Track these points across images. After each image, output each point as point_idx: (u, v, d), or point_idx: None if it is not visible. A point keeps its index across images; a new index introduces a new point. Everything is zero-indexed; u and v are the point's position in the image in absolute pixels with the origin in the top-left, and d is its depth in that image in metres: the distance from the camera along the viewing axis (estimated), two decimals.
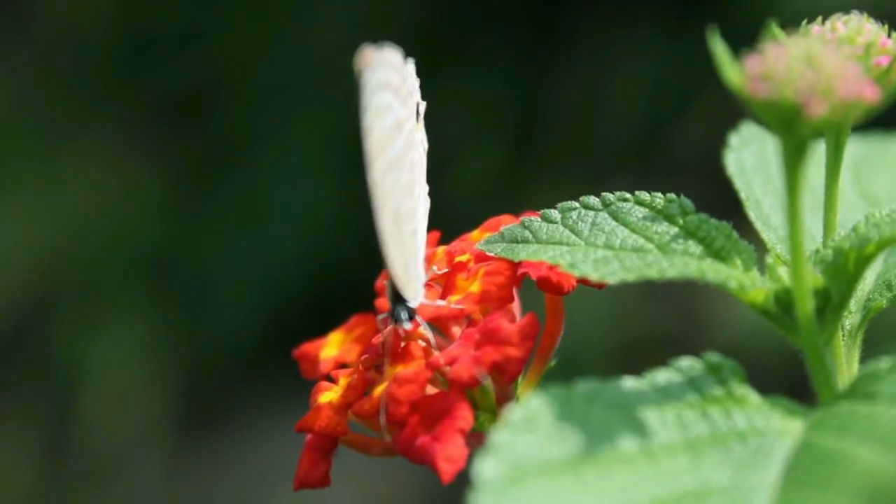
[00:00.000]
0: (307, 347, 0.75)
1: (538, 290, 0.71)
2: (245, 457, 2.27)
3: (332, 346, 0.74)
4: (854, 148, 0.85)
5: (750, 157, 0.77)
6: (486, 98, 2.34)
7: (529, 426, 0.61)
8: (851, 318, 0.71)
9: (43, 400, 2.33)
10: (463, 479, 0.64)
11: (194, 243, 2.40)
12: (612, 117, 2.29)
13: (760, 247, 0.71)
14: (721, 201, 0.73)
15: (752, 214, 0.73)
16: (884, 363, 0.64)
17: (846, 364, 0.69)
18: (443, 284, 0.71)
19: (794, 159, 0.62)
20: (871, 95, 0.60)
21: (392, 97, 0.70)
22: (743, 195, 0.75)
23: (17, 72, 2.49)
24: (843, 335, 0.70)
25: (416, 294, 0.70)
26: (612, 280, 0.65)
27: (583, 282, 0.70)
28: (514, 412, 0.61)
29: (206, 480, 2.27)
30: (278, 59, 2.43)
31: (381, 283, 0.74)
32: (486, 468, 0.59)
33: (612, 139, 2.28)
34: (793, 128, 0.61)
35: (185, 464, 2.29)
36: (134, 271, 2.40)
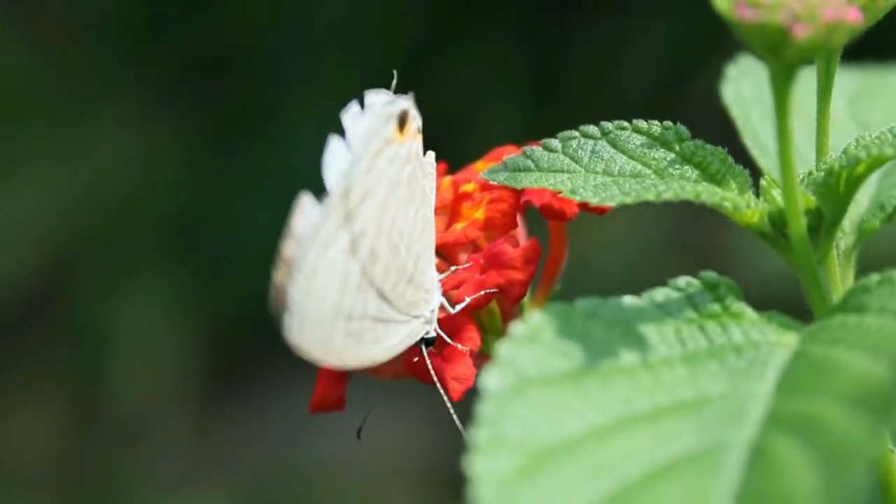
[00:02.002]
0: None
1: (542, 217, 0.74)
2: (273, 415, 2.30)
3: None
4: (852, 80, 0.87)
5: (747, 88, 0.80)
6: (505, 58, 2.37)
7: (532, 340, 0.63)
8: (846, 238, 0.73)
9: (70, 363, 2.36)
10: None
11: (218, 204, 2.43)
12: (631, 75, 2.31)
13: (758, 175, 0.74)
14: (740, 158, 0.75)
15: (748, 142, 0.76)
16: (874, 278, 0.66)
17: (841, 283, 0.72)
18: (448, 213, 0.74)
19: (782, 82, 0.64)
20: (853, 19, 0.63)
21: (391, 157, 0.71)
22: (739, 123, 0.77)
23: (37, 38, 2.52)
24: (838, 256, 0.73)
25: None
26: (611, 203, 0.68)
27: (585, 208, 0.73)
28: (516, 327, 0.64)
29: (235, 439, 2.30)
30: (299, 19, 2.45)
31: None
32: (490, 380, 0.62)
33: (630, 97, 2.30)
34: (779, 51, 0.63)
35: (212, 423, 2.32)
36: (158, 233, 2.43)
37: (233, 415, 2.32)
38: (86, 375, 2.34)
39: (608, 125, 0.72)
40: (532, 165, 0.71)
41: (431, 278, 0.72)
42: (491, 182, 0.72)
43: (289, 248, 0.67)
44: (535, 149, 0.72)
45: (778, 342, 0.66)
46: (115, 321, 2.36)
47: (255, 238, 2.34)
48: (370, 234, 0.69)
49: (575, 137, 0.72)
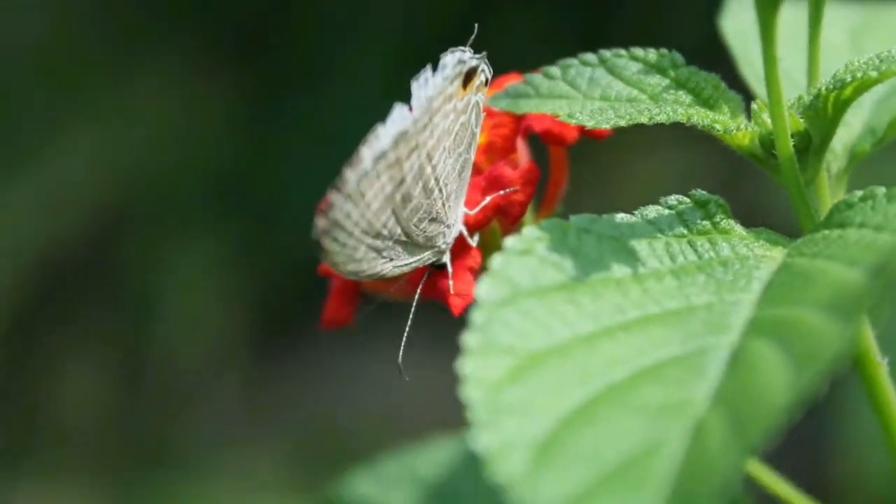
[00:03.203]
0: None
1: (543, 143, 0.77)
2: (319, 371, 2.33)
3: None
4: (855, 14, 0.90)
5: (748, 22, 0.82)
6: (549, 23, 2.39)
7: (525, 253, 0.67)
8: (837, 161, 0.76)
9: (120, 322, 2.40)
10: None
11: (266, 164, 2.46)
12: (675, 38, 2.32)
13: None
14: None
15: (745, 70, 0.79)
16: (857, 193, 0.69)
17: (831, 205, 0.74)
18: None
19: (767, 8, 0.67)
20: None
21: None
22: (738, 54, 0.80)
23: None
24: (829, 178, 0.75)
25: None
26: (605, 126, 0.71)
27: (584, 134, 0.76)
28: (511, 241, 0.67)
29: (282, 395, 2.33)
30: None
31: None
32: (484, 289, 0.65)
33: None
34: None
35: (260, 380, 2.35)
36: (206, 193, 2.46)
37: (280, 372, 2.36)
38: (135, 335, 2.38)
39: (606, 53, 0.75)
40: (532, 92, 0.74)
41: (457, 214, 0.76)
42: (493, 109, 0.75)
43: (347, 171, 0.72)
44: (536, 76, 0.75)
45: (765, 256, 0.69)
46: (164, 281, 2.40)
47: (301, 198, 2.36)
48: (408, 181, 0.73)
49: (573, 65, 0.74)
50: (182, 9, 2.55)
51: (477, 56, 0.75)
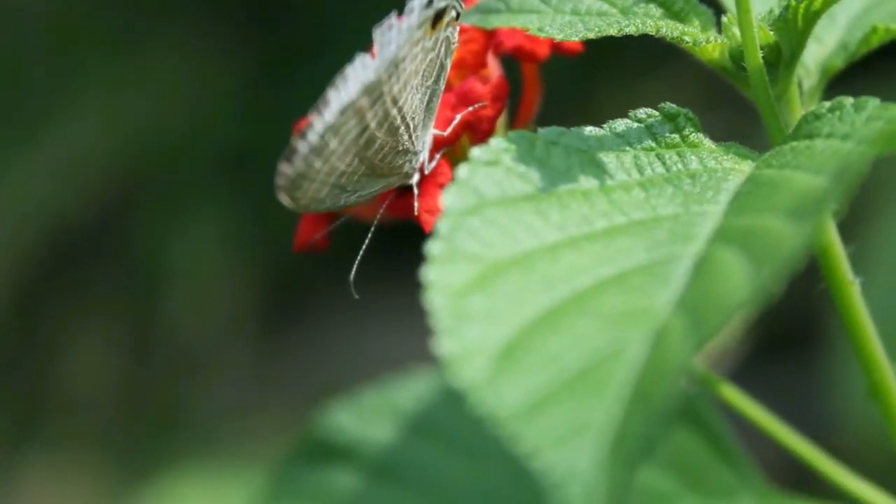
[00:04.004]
0: (303, 122, 0.81)
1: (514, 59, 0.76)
2: (327, 344, 2.33)
3: None
4: None
5: None
6: None
7: (492, 163, 0.66)
8: (809, 78, 0.76)
9: (129, 293, 2.40)
10: None
11: (274, 136, 2.45)
12: None
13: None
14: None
15: None
16: (825, 105, 0.68)
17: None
18: None
19: None
20: None
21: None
22: None
23: None
24: (802, 95, 0.75)
25: None
26: (574, 38, 0.71)
27: (556, 49, 0.75)
28: (477, 151, 0.66)
29: (290, 367, 2.34)
30: None
31: None
32: (449, 198, 0.65)
33: None
34: None
35: (268, 351, 2.36)
36: (215, 165, 2.46)
37: (287, 343, 2.36)
38: (145, 306, 2.39)
39: None
40: (503, 7, 0.74)
41: (425, 140, 0.75)
42: (464, 24, 0.75)
43: (312, 120, 0.72)
44: None
45: (733, 169, 0.69)
46: (173, 252, 2.40)
47: None
48: (373, 126, 0.73)
49: None
50: None
51: None
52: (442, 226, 0.64)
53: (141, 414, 2.33)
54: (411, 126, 0.74)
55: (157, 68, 2.49)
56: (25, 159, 2.45)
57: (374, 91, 0.72)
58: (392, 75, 0.72)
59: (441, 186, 0.73)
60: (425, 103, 0.74)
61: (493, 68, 0.78)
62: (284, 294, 2.40)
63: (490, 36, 0.76)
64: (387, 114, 0.73)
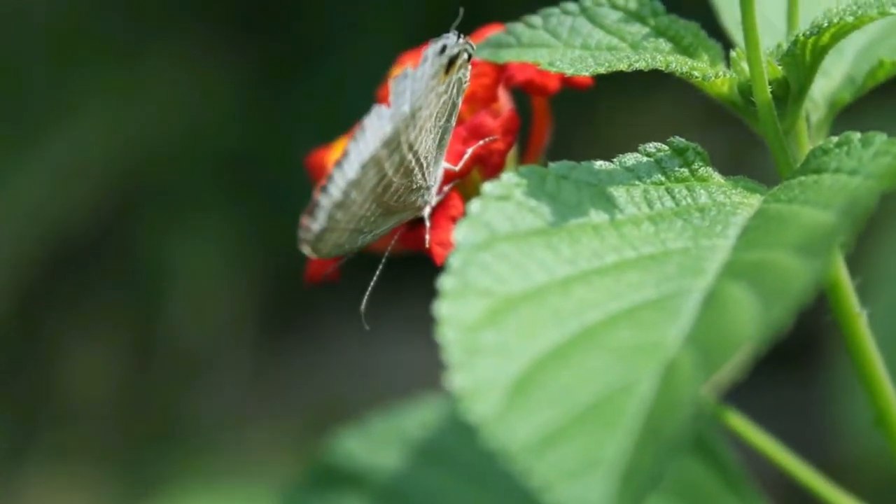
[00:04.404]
0: (316, 155, 0.82)
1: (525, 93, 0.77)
2: (328, 351, 2.34)
3: (340, 150, 0.80)
4: None
5: None
6: None
7: (503, 198, 0.67)
8: (818, 112, 0.76)
9: (130, 299, 2.41)
10: None
11: (276, 143, 2.46)
12: None
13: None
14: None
15: (725, 18, 0.79)
16: (833, 139, 0.69)
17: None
18: None
19: None
20: None
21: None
22: (717, 1, 0.80)
23: None
24: (810, 129, 0.76)
25: None
26: (585, 73, 0.71)
27: (565, 83, 0.76)
28: (489, 186, 0.67)
29: (290, 374, 2.34)
30: None
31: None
32: (461, 233, 0.66)
33: None
34: None
35: (268, 358, 2.36)
36: (215, 171, 2.46)
37: (288, 351, 2.37)
38: (145, 312, 2.39)
39: (587, 1, 0.75)
40: (513, 41, 0.75)
41: (436, 175, 0.76)
42: (475, 58, 0.76)
43: (333, 175, 0.73)
44: (517, 25, 0.75)
45: (742, 203, 0.69)
46: (174, 258, 2.40)
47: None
48: (390, 174, 0.74)
49: (555, 14, 0.75)
50: None
51: (459, 41, 0.75)
52: (454, 260, 0.65)
53: (141, 422, 2.33)
54: (424, 165, 0.75)
55: (158, 75, 2.50)
56: (27, 165, 2.45)
57: (392, 143, 0.73)
58: (409, 125, 0.73)
59: (452, 219, 0.74)
60: (437, 142, 0.75)
61: (504, 101, 0.78)
62: (285, 301, 2.41)
63: (501, 70, 0.76)
64: (403, 159, 0.74)
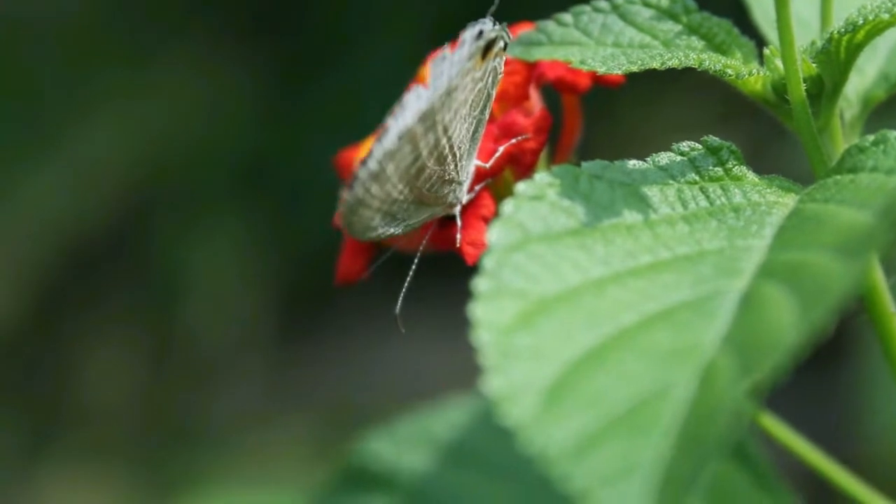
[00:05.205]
0: (345, 154, 0.81)
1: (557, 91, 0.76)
2: (344, 353, 2.33)
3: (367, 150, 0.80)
4: None
5: None
6: None
7: (536, 198, 0.66)
8: (851, 109, 0.75)
9: (146, 302, 2.41)
10: None
11: (290, 147, 2.46)
12: None
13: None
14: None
15: (757, 15, 0.78)
16: (869, 138, 0.68)
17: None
18: None
19: None
20: None
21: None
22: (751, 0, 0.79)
23: None
24: (843, 126, 0.75)
25: None
26: (617, 72, 0.71)
27: (597, 81, 0.75)
28: (522, 186, 0.66)
29: (307, 376, 2.34)
30: None
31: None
32: (495, 234, 0.65)
33: None
34: None
35: (285, 360, 2.36)
36: (231, 175, 2.46)
37: (303, 351, 2.36)
38: (163, 314, 2.39)
39: None
40: (545, 39, 0.74)
41: (469, 170, 0.76)
42: (506, 56, 0.75)
43: (372, 148, 0.73)
44: (548, 23, 0.75)
45: (777, 202, 0.69)
46: (190, 260, 2.40)
47: (326, 178, 2.36)
48: (424, 155, 0.73)
49: (586, 12, 0.74)
50: None
51: (496, 27, 0.75)
52: (488, 262, 0.64)
53: (159, 423, 2.33)
54: (457, 155, 0.74)
55: (174, 79, 2.50)
56: (44, 170, 2.45)
57: (428, 119, 0.72)
58: (444, 104, 0.73)
59: (483, 218, 0.73)
60: (471, 133, 0.75)
61: (535, 100, 0.78)
62: (302, 303, 2.40)
63: (532, 68, 0.76)
64: (437, 142, 0.73)
